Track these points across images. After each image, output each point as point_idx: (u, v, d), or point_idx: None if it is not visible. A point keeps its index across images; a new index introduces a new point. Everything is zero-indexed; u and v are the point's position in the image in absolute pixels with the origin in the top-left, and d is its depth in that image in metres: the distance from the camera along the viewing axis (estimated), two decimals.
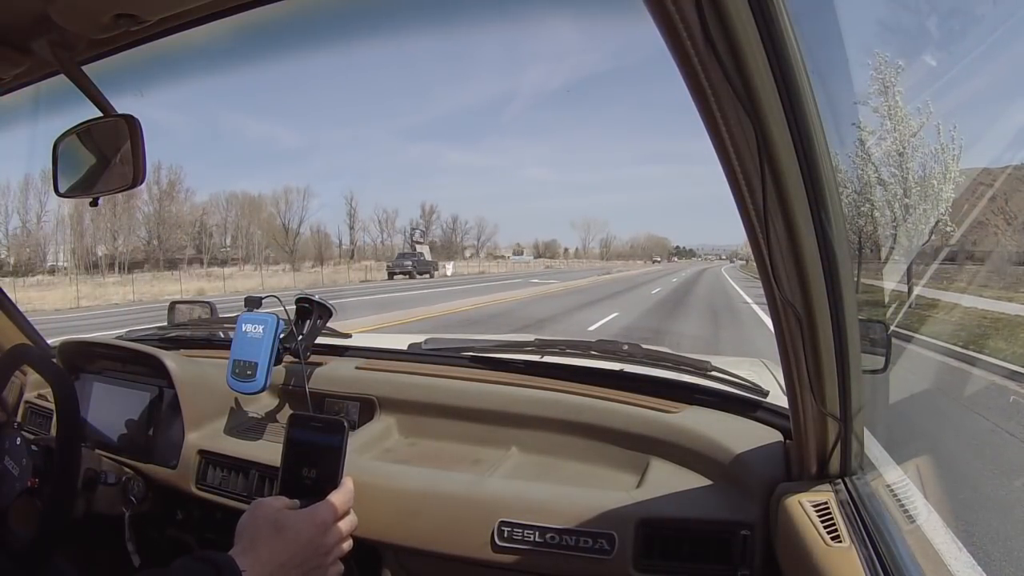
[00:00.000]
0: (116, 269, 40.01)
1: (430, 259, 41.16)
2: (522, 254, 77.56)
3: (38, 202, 40.48)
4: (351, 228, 60.12)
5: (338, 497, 0.89)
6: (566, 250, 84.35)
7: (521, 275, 39.56)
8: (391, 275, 34.30)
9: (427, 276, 35.30)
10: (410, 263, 35.99)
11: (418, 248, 48.86)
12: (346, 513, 0.90)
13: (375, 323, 9.81)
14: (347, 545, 0.89)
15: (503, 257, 70.85)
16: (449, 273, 40.76)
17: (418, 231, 59.45)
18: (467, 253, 67.70)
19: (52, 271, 38.42)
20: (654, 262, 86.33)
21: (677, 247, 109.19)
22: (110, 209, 40.79)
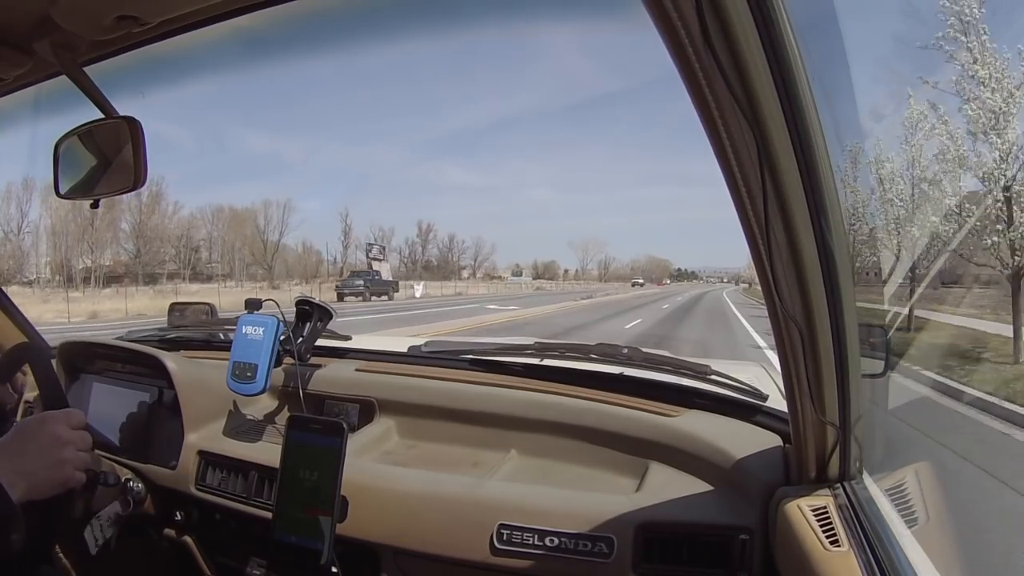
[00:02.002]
0: (93, 283, 37.89)
1: (389, 278, 37.54)
2: (521, 275, 75.14)
3: (19, 211, 38.24)
4: (344, 246, 57.74)
5: (70, 411, 0.96)
6: (566, 271, 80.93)
7: (501, 297, 35.01)
8: (340, 296, 28.82)
9: (385, 297, 31.27)
10: (362, 283, 31.71)
11: (375, 266, 44.56)
12: (80, 425, 0.95)
13: None
14: (83, 457, 0.93)
15: (499, 278, 69.12)
16: (418, 295, 35.00)
17: (376, 247, 52.22)
18: (464, 273, 65.65)
19: (30, 283, 36.10)
20: (635, 285, 75.31)
21: (679, 269, 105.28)
22: (90, 221, 38.69)
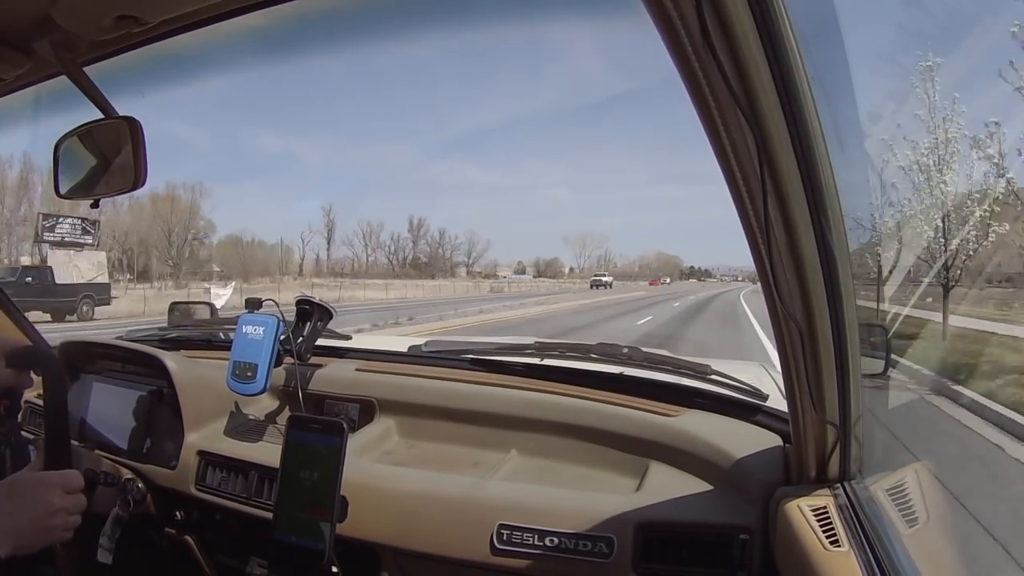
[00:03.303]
0: None
1: (93, 278, 19.61)
2: (524, 272, 70.69)
3: None
4: (328, 242, 54.42)
5: (68, 474, 0.92)
6: (571, 269, 75.08)
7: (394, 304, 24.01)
8: None
9: (73, 317, 16.36)
10: None
11: (55, 257, 20.48)
12: (76, 489, 0.92)
13: None
14: (73, 520, 0.91)
15: (495, 276, 64.27)
16: (220, 304, 8.29)
17: (68, 222, 23.06)
18: (463, 271, 61.81)
19: None
20: (598, 286, 47.93)
21: (691, 267, 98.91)
22: None
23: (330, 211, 56.01)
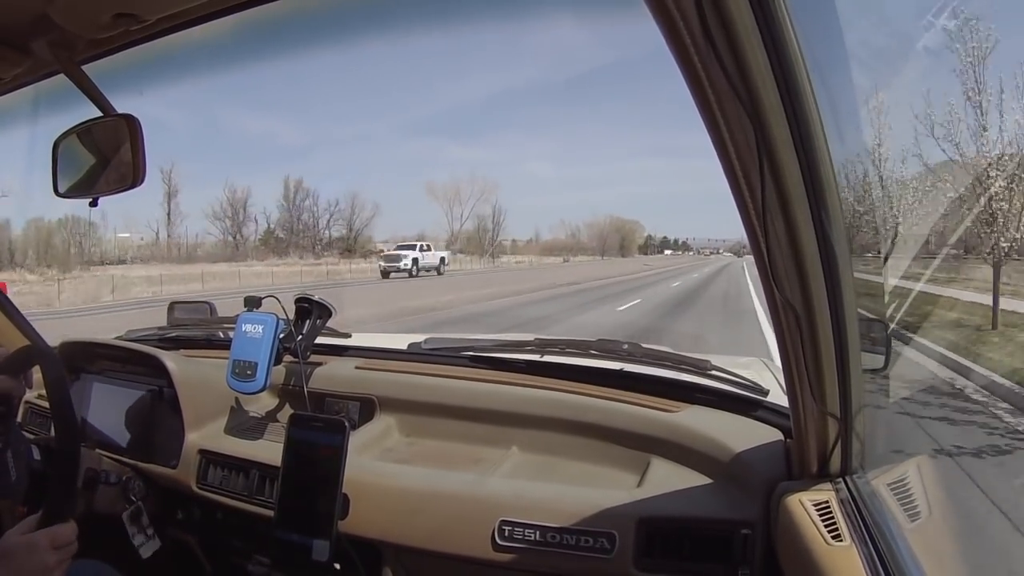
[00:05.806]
0: None
1: None
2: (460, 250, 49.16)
3: None
4: (168, 214, 38.71)
5: (56, 531, 0.89)
6: (514, 241, 55.89)
7: None
8: None
9: None
10: None
11: None
12: (67, 543, 0.90)
13: None
14: (67, 564, 0.90)
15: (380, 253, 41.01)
16: None
17: None
18: (380, 246, 39.87)
19: None
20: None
21: (664, 238, 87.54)
22: None
23: (170, 173, 38.80)
